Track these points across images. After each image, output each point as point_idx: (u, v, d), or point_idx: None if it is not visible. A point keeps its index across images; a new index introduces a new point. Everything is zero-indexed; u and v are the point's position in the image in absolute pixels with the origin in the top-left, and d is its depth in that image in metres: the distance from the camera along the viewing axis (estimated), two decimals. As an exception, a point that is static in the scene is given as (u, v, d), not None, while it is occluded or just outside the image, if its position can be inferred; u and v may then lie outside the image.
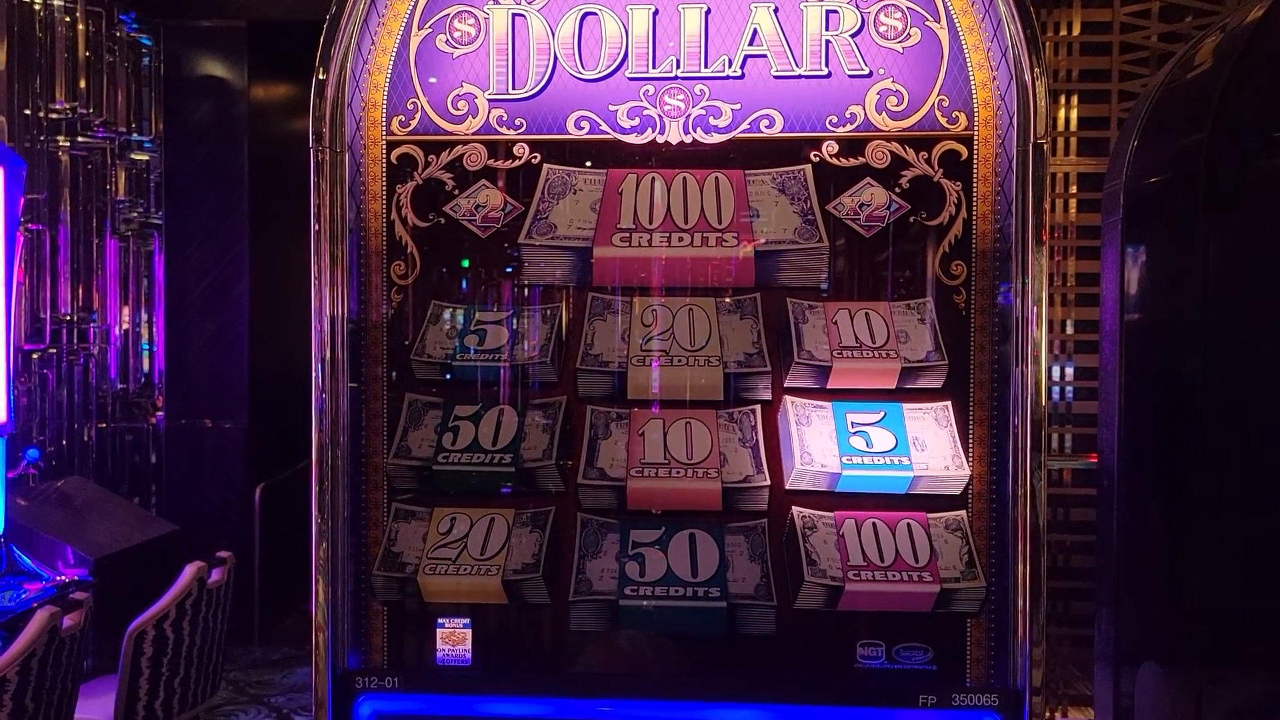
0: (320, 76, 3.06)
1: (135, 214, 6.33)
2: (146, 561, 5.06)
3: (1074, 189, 5.09)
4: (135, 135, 6.26)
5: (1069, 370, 5.09)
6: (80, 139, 5.77)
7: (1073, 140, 5.10)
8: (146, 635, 3.53)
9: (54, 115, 5.59)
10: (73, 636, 3.20)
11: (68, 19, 5.61)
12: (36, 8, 5.43)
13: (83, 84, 5.73)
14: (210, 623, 3.83)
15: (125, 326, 6.34)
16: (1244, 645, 2.98)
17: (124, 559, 4.94)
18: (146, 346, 6.54)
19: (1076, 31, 5.09)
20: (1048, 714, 5.04)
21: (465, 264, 3.26)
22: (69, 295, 5.70)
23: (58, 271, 5.63)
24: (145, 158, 6.40)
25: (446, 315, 3.22)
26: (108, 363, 6.18)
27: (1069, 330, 5.09)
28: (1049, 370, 4.97)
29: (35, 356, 5.47)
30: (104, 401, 6.15)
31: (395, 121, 3.17)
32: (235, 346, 6.55)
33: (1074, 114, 5.11)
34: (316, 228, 3.07)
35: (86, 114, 5.79)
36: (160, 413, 6.56)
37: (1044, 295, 2.99)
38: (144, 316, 6.51)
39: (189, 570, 3.68)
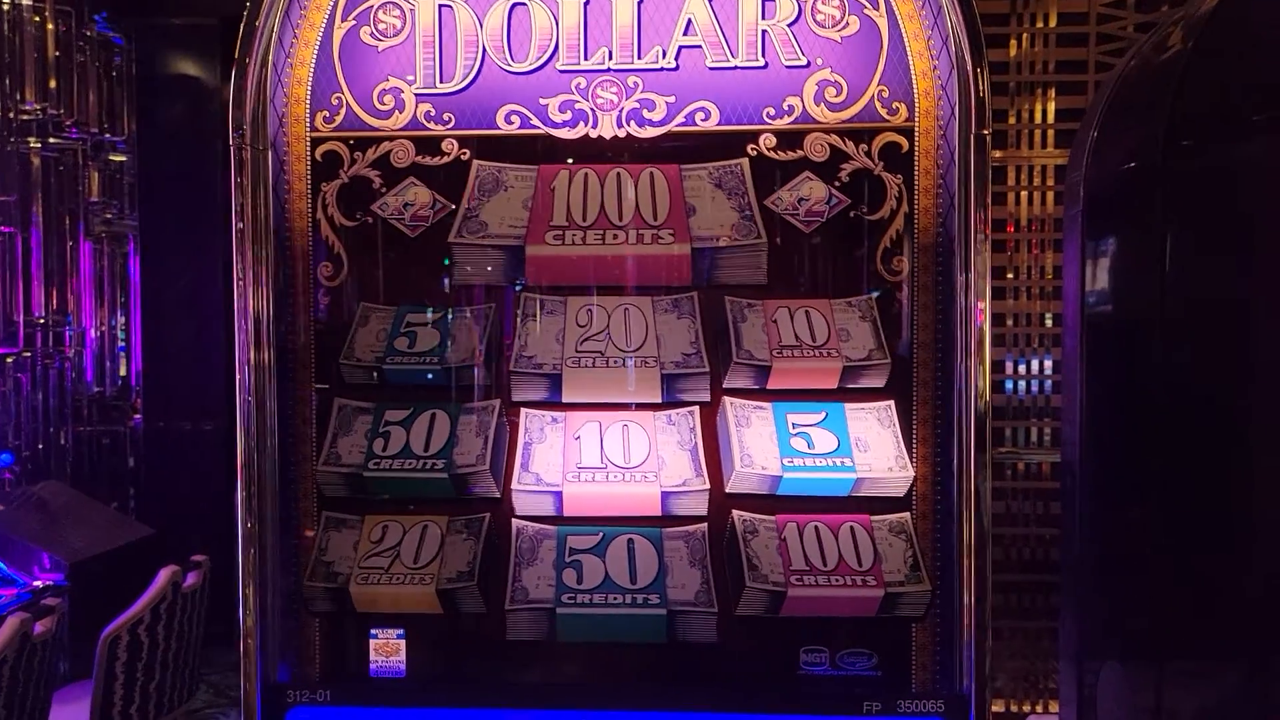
0: (240, 69, 2.97)
1: (109, 215, 6.29)
2: (124, 566, 5.02)
3: (1051, 181, 5.00)
4: (108, 136, 6.21)
5: (1048, 363, 5.01)
6: (52, 140, 5.74)
7: (1050, 133, 5.01)
8: (120, 640, 3.50)
9: (24, 116, 5.56)
10: (45, 643, 3.17)
11: (37, 19, 5.56)
12: (5, 7, 5.39)
13: (53, 84, 5.69)
14: (185, 627, 3.79)
15: (101, 329, 6.30)
16: (1207, 643, 2.89)
17: (101, 564, 4.91)
18: (123, 349, 6.50)
19: (1053, 23, 5.00)
20: (1026, 709, 4.99)
21: (394, 264, 3.17)
22: (43, 298, 5.67)
23: (30, 274, 5.60)
24: (120, 159, 6.36)
25: (376, 317, 3.14)
26: (84, 366, 6.15)
27: (1048, 324, 5.01)
28: (1029, 364, 4.97)
29: (9, 360, 5.46)
30: (80, 405, 6.12)
31: (319, 117, 3.08)
32: (213, 348, 6.49)
33: (1051, 106, 5.02)
34: (239, 227, 2.98)
35: (58, 114, 5.75)
36: (138, 415, 6.52)
37: (988, 291, 2.89)
38: (120, 319, 6.47)
39: (163, 574, 3.65)
